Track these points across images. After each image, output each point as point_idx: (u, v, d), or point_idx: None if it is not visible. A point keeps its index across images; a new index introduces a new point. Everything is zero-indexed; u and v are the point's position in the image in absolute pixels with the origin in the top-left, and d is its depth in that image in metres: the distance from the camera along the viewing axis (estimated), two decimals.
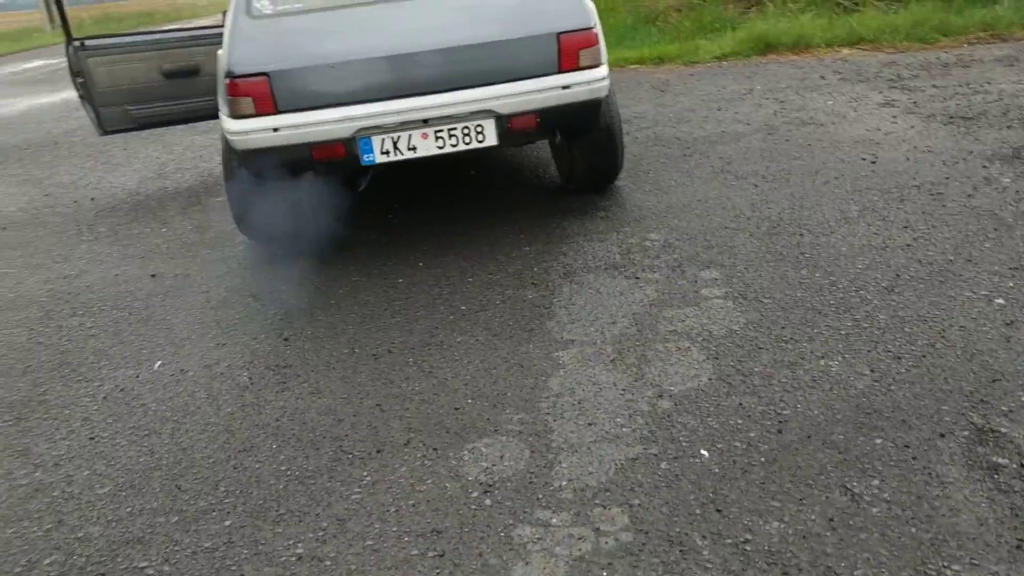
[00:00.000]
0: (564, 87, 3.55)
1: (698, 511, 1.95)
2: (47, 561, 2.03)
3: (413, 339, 2.95)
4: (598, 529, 1.93)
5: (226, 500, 2.18)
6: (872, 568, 1.73)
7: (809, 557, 1.78)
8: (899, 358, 2.48)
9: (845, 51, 7.22)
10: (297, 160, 3.56)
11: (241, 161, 3.64)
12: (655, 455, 2.17)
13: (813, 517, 1.89)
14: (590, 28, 3.55)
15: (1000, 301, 2.74)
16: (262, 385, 2.75)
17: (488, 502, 2.06)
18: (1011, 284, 2.84)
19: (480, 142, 3.57)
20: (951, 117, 4.80)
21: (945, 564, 1.73)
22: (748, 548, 1.82)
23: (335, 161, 3.58)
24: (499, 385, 2.58)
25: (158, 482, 2.29)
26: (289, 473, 2.27)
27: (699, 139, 4.97)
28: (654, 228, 3.70)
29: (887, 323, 2.68)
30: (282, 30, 3.50)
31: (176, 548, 2.02)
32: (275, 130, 3.43)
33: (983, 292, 2.81)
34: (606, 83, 3.63)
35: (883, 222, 3.47)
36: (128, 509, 2.19)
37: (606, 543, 1.88)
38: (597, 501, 2.02)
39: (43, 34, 24.45)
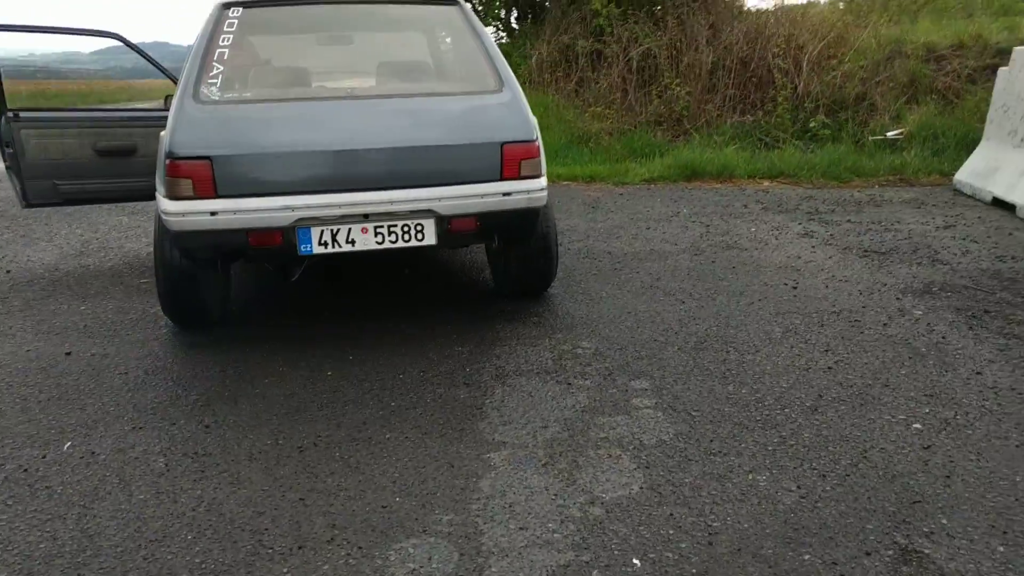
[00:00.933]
0: (505, 194, 3.63)
1: None
2: None
3: (340, 433, 2.88)
4: None
5: None
6: None
7: None
8: (824, 476, 2.53)
9: (766, 183, 7.62)
10: (233, 245, 3.51)
11: (175, 243, 3.58)
12: (587, 562, 2.13)
13: None
14: (532, 141, 3.67)
15: (917, 426, 2.84)
16: (179, 472, 2.62)
17: None
18: (927, 410, 2.95)
19: (419, 240, 3.59)
20: (865, 251, 5.07)
21: None
22: None
23: (271, 249, 3.54)
24: (428, 484, 2.53)
25: (59, 570, 2.13)
26: (204, 566, 2.14)
27: (629, 255, 5.11)
28: (586, 336, 3.75)
29: (812, 441, 2.74)
30: (228, 117, 3.50)
31: None
32: (212, 214, 3.39)
33: (901, 416, 2.91)
34: (545, 193, 3.73)
35: (805, 344, 3.60)
36: None
37: None
38: None
39: None
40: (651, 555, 2.16)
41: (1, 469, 2.66)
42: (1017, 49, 6.69)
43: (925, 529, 2.25)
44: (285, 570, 2.12)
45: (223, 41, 3.70)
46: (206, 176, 3.40)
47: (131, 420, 2.99)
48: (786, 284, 4.43)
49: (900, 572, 2.07)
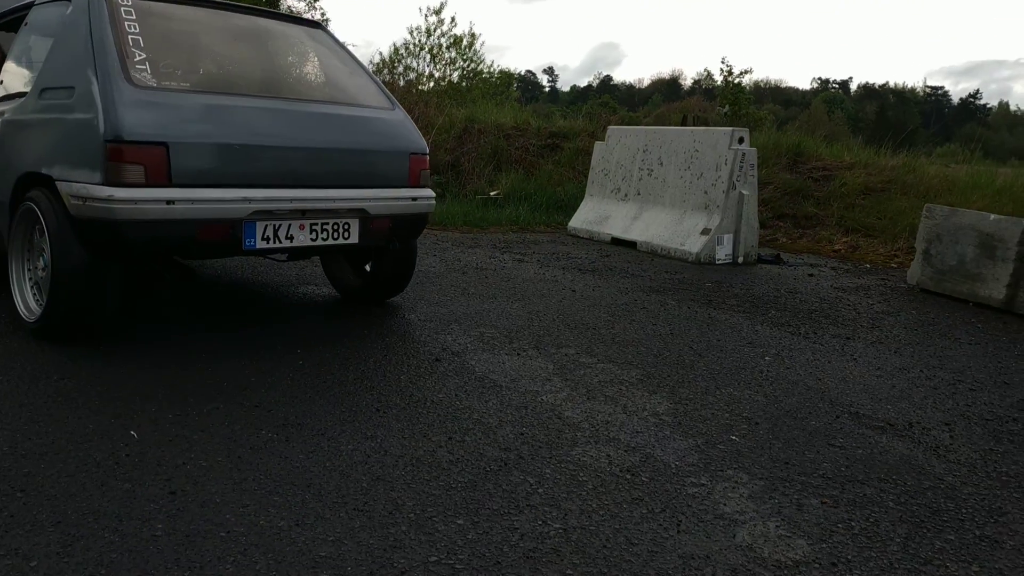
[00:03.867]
0: (413, 199, 4.10)
1: None
2: None
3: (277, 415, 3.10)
4: None
5: None
6: None
7: None
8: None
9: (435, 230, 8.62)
10: (179, 238, 3.41)
11: (96, 238, 3.28)
12: None
13: None
14: (427, 154, 4.20)
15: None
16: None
17: None
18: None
19: (345, 239, 3.87)
20: (580, 269, 6.36)
21: None
22: None
23: (215, 243, 3.51)
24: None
25: None
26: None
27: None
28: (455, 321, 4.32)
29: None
30: (178, 103, 3.42)
31: None
32: (169, 203, 3.30)
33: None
34: (435, 201, 4.25)
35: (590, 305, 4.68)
36: None
37: None
38: None
39: None
40: None
41: None
42: (611, 128, 8.81)
43: None
44: None
45: (130, 28, 3.55)
46: (160, 163, 3.31)
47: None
48: (565, 288, 5.47)
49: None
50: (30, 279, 3.77)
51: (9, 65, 4.24)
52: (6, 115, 3.93)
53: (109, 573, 1.87)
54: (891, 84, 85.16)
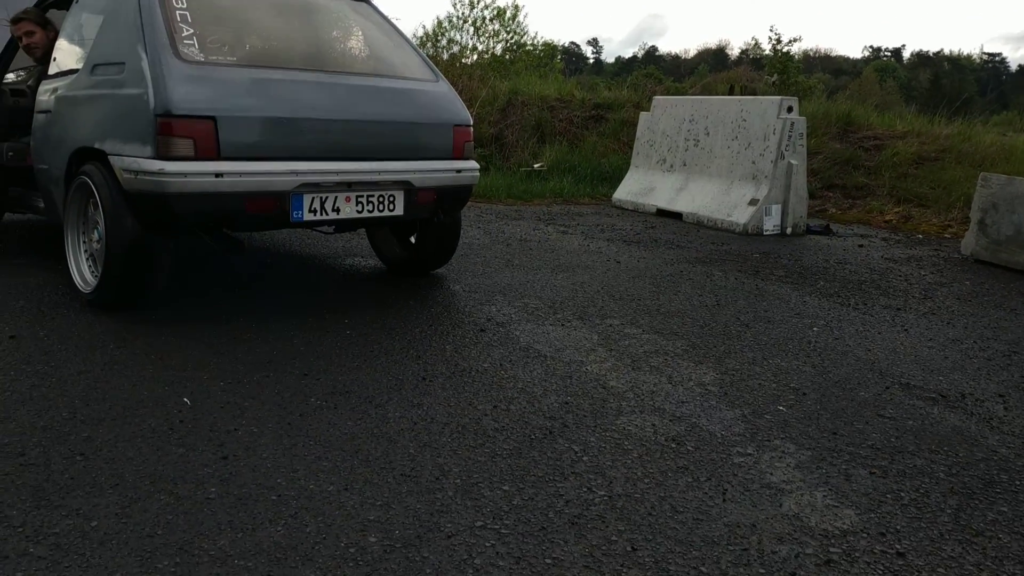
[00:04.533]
0: (457, 171, 4.10)
1: None
2: None
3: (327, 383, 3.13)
4: None
5: None
6: None
7: None
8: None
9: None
10: (228, 211, 3.45)
11: (172, 207, 3.34)
12: None
13: None
14: (471, 126, 4.19)
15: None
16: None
17: None
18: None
19: (391, 211, 3.89)
20: (626, 241, 6.33)
21: None
22: None
23: (263, 216, 3.55)
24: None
25: None
26: None
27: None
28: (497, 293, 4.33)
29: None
30: (226, 77, 3.47)
31: None
32: (217, 176, 3.35)
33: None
34: (479, 173, 4.25)
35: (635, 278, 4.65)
36: None
37: None
38: None
39: None
40: None
41: None
42: (656, 98, 8.71)
43: None
44: None
45: (177, 4, 3.59)
46: (210, 136, 3.36)
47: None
48: (608, 260, 5.45)
49: None
50: (85, 251, 3.86)
51: (62, 42, 4.32)
52: (60, 91, 4.01)
53: (165, 534, 1.92)
54: (946, 51, 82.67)
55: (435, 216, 4.15)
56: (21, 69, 5.05)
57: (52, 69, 4.27)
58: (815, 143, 9.33)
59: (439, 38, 21.94)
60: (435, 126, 4.03)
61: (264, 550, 1.88)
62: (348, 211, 3.74)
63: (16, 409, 2.58)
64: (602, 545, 1.98)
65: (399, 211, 3.91)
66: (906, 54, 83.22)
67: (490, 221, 7.11)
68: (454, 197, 4.16)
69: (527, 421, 2.69)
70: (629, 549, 1.97)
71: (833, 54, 77.41)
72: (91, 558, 1.81)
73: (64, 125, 3.93)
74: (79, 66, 3.96)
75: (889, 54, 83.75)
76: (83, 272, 3.84)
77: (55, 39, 4.46)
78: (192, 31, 3.52)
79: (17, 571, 1.75)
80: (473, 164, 4.18)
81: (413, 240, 4.64)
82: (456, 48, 21.18)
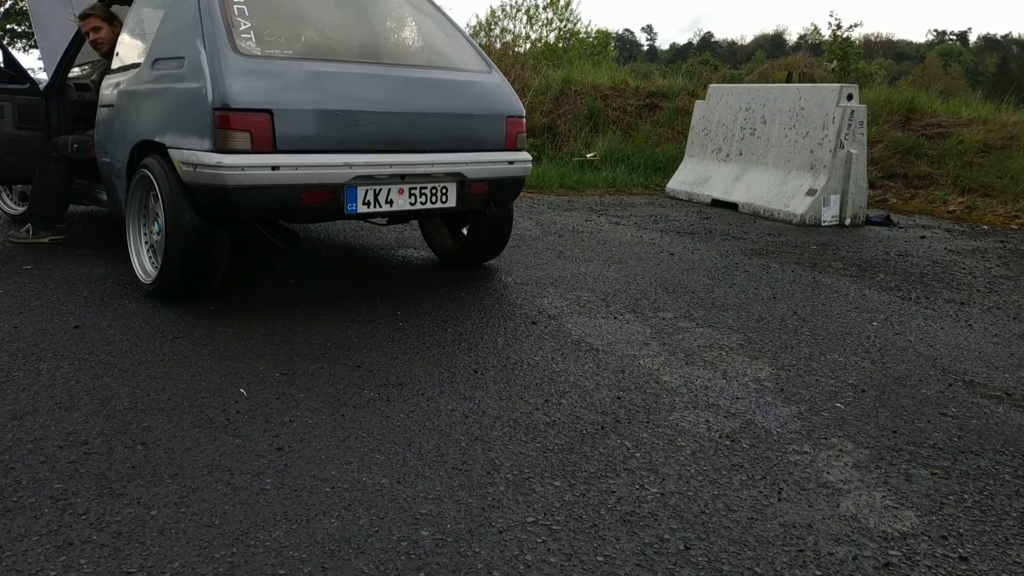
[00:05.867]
0: (509, 162, 4.09)
1: None
2: None
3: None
4: None
5: None
6: None
7: None
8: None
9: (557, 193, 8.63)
10: (285, 203, 3.50)
11: (228, 201, 3.39)
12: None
13: None
14: (524, 117, 4.17)
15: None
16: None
17: None
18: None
19: (443, 203, 3.90)
20: (679, 232, 6.26)
21: None
22: None
23: (319, 208, 3.59)
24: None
25: None
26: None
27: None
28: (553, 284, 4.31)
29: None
30: (282, 71, 3.50)
31: None
32: (274, 168, 3.39)
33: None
34: (531, 164, 4.24)
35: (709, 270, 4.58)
36: None
37: None
38: None
39: None
40: None
41: None
42: (712, 86, 8.58)
43: None
44: None
45: None
46: (266, 129, 3.39)
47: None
48: (663, 252, 5.39)
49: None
50: (146, 243, 3.95)
51: (124, 37, 4.41)
52: (122, 85, 4.10)
53: (222, 523, 1.96)
54: (1014, 35, 80.00)
55: (487, 208, 4.15)
56: (86, 64, 5.18)
57: (115, 64, 4.36)
58: (876, 131, 9.11)
59: (492, 27, 21.88)
60: (488, 118, 4.02)
61: (318, 542, 1.90)
62: (401, 203, 3.76)
63: (81, 398, 2.65)
64: (654, 543, 1.96)
65: (452, 203, 3.92)
66: (972, 37, 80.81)
67: (542, 212, 7.10)
68: (506, 189, 4.15)
69: (579, 416, 2.68)
70: (682, 548, 1.95)
71: (895, 38, 75.50)
72: (151, 547, 1.85)
73: (126, 119, 4.02)
74: (140, 60, 4.04)
75: (954, 38, 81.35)
76: (144, 263, 3.93)
77: (120, 34, 4.55)
78: (249, 25, 3.56)
79: (81, 558, 1.80)
80: (525, 155, 4.17)
81: (465, 231, 4.65)
82: (509, 37, 21.11)
